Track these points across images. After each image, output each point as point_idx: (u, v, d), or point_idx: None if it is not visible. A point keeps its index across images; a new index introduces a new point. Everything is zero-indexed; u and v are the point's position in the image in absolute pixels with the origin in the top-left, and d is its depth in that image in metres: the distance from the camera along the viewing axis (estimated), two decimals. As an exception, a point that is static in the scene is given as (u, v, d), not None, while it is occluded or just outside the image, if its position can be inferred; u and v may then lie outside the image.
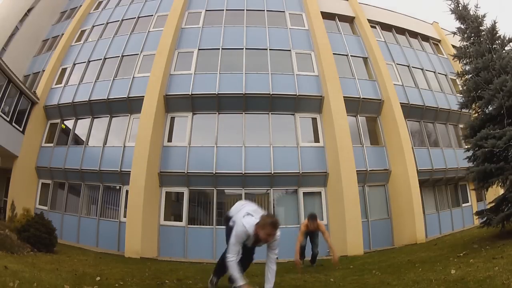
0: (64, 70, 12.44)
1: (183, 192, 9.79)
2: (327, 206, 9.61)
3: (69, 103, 11.35)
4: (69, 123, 11.66)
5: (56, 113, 11.65)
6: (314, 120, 10.59)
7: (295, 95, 10.36)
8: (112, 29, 12.93)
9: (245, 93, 10.22)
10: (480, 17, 7.02)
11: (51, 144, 11.46)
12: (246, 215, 3.29)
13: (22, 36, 14.22)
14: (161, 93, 10.12)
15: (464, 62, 7.17)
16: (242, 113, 10.38)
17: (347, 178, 9.15)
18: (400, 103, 10.87)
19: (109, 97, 10.84)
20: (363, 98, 10.86)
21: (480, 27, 6.99)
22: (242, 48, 11.23)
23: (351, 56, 11.85)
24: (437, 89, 12.70)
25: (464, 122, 7.74)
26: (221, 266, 3.50)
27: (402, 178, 10.02)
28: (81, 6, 14.63)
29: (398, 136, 10.31)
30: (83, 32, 13.48)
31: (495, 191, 7.14)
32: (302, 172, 9.69)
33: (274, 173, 9.62)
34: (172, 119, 10.51)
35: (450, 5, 7.31)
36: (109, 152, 10.52)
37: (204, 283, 4.17)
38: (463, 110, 7.68)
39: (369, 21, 13.05)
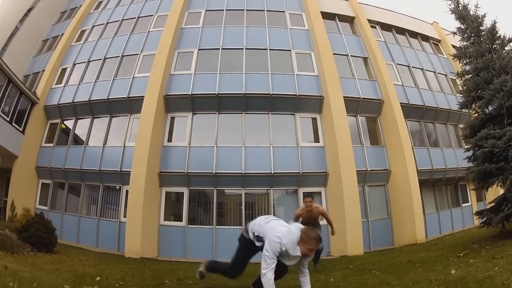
0: (64, 70, 12.44)
1: (183, 192, 9.79)
2: (327, 206, 9.59)
3: (69, 103, 11.35)
4: (69, 123, 11.66)
5: (56, 113, 11.65)
6: (314, 120, 10.59)
7: (295, 95, 10.36)
8: (112, 29, 12.93)
9: (245, 93, 10.22)
10: (480, 17, 7.02)
11: (51, 144, 11.47)
12: (279, 228, 3.08)
13: (22, 36, 14.22)
14: (161, 93, 10.13)
15: (464, 62, 7.17)
16: (242, 113, 10.38)
17: (347, 178, 9.15)
18: (400, 103, 10.87)
19: (109, 97, 10.84)
20: (363, 98, 10.86)
21: (480, 27, 6.99)
22: (242, 48, 11.23)
23: (351, 56, 11.85)
24: (437, 89, 12.70)
25: (464, 122, 7.74)
26: (232, 273, 3.47)
27: (402, 178, 10.02)
28: (81, 6, 14.63)
29: (398, 136, 10.31)
30: (83, 32, 13.48)
31: (495, 191, 7.14)
32: (302, 172, 9.69)
33: (274, 173, 9.62)
34: (172, 119, 10.51)
35: (450, 5, 7.32)
36: (109, 152, 10.52)
37: (204, 283, 4.16)
38: (463, 110, 7.68)
39: (369, 21, 13.05)
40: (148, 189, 9.08)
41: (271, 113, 10.44)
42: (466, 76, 7.13)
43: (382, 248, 9.24)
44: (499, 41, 6.78)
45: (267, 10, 12.51)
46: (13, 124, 10.75)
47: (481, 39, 6.89)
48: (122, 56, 11.76)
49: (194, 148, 9.97)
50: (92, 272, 5.06)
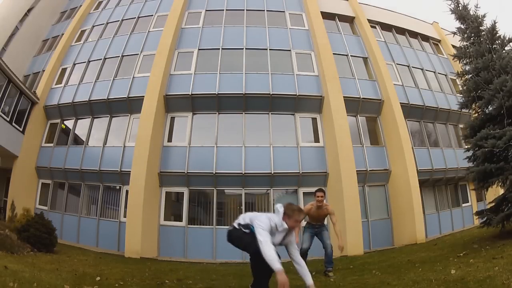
0: (64, 70, 12.44)
1: (183, 192, 9.79)
2: (327, 206, 9.59)
3: (69, 103, 11.35)
4: (69, 123, 11.66)
5: (56, 113, 11.65)
6: (314, 120, 10.59)
7: (295, 95, 10.35)
8: (112, 29, 12.93)
9: (245, 93, 10.22)
10: (480, 17, 7.02)
11: (51, 144, 11.46)
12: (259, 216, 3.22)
13: (22, 36, 14.22)
14: (161, 93, 10.13)
15: (464, 62, 7.16)
16: (242, 113, 10.38)
17: (347, 178, 9.14)
18: (400, 103, 10.87)
19: (109, 97, 10.84)
20: (363, 98, 10.86)
21: (480, 27, 6.99)
22: (242, 48, 11.23)
23: (351, 56, 11.85)
24: (437, 89, 12.69)
25: (464, 122, 7.74)
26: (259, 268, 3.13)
27: (402, 178, 10.02)
28: (81, 6, 14.63)
29: (398, 136, 10.31)
30: (83, 32, 13.48)
31: (495, 191, 7.13)
32: (302, 172, 9.69)
33: (274, 173, 9.62)
34: (172, 119, 10.51)
35: (450, 5, 7.32)
36: (109, 152, 10.52)
37: (204, 283, 4.16)
38: (463, 110, 7.67)
39: (369, 21, 13.05)
40: (148, 189, 9.08)
41: (271, 113, 10.44)
42: (466, 76, 7.13)
43: (382, 248, 9.24)
44: (499, 41, 6.78)
45: (267, 10, 12.51)
46: (13, 124, 10.75)
47: (481, 39, 6.89)
48: (122, 56, 11.76)
49: (194, 148, 9.97)
50: (92, 272, 5.06)
